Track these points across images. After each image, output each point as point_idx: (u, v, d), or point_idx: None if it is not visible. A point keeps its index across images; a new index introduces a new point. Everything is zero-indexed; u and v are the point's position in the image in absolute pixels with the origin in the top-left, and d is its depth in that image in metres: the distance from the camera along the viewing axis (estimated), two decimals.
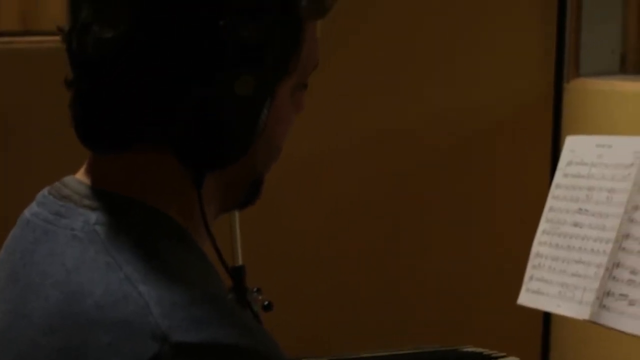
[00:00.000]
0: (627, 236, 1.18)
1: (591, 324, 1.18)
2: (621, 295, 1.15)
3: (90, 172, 0.75)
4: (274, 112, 0.75)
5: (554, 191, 1.32)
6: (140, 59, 0.70)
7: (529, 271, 1.28)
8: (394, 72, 1.96)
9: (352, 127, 1.96)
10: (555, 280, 1.24)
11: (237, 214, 1.41)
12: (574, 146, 1.33)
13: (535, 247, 1.29)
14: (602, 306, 1.16)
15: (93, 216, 0.71)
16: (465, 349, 1.58)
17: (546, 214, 1.30)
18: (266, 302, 1.47)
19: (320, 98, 1.50)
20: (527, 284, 1.28)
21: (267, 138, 0.76)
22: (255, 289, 1.47)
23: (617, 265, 1.17)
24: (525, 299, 1.28)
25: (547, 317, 2.00)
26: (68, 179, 0.76)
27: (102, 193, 0.73)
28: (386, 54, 1.96)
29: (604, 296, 1.16)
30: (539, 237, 1.30)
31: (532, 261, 1.29)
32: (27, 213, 0.76)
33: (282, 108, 0.77)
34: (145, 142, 0.72)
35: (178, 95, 0.71)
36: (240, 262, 1.49)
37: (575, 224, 1.25)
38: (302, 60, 0.77)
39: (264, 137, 0.75)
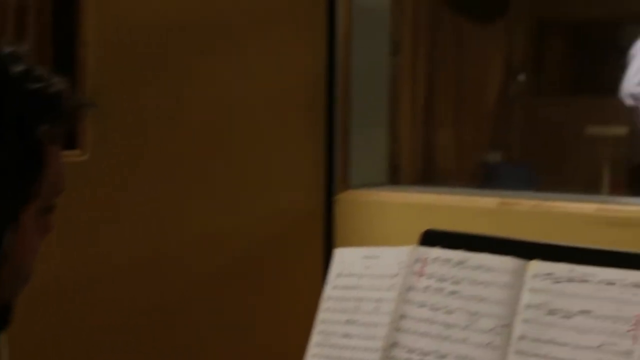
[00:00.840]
0: (394, 345, 1.69)
1: None
2: None
3: None
4: (19, 237, 0.92)
5: (324, 303, 1.82)
6: None
7: None
8: (158, 194, 2.32)
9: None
10: None
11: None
12: (342, 258, 1.85)
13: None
14: None
15: None
16: None
17: (317, 326, 1.80)
18: None
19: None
20: None
21: (13, 264, 0.93)
22: None
23: None
24: None
25: None
26: None
27: None
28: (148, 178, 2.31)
29: None
30: (311, 349, 1.79)
31: None
32: None
33: (27, 233, 0.94)
34: None
35: None
36: None
37: (345, 335, 1.76)
38: (46, 185, 0.94)
39: (10, 263, 0.92)
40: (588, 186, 7.63)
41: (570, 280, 1.54)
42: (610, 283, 1.50)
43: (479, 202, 2.39)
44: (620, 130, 6.23)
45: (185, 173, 2.35)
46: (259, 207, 2.53)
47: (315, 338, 1.80)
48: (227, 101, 2.41)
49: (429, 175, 7.80)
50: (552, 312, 1.54)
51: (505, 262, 1.61)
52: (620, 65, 5.70)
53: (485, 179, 7.85)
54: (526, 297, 1.57)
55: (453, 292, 1.66)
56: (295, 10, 2.55)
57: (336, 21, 2.57)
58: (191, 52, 2.31)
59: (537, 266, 1.59)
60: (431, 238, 1.76)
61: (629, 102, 5.45)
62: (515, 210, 2.30)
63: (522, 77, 8.46)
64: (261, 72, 2.47)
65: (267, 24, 2.49)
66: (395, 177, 6.65)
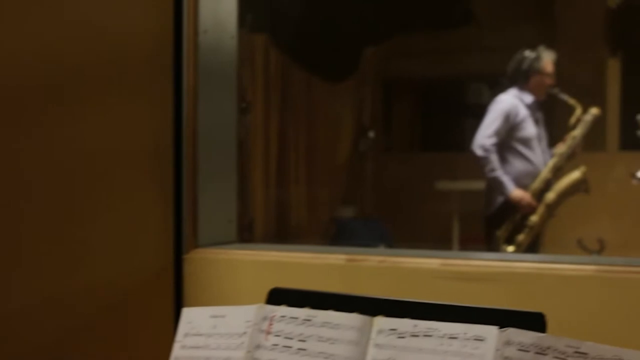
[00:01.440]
0: None
1: None
2: None
3: None
4: None
5: None
6: None
7: None
8: None
9: None
10: None
11: None
12: (190, 318, 1.83)
13: None
14: None
15: None
16: None
17: None
18: None
19: None
20: None
21: None
22: None
23: None
24: None
25: None
26: None
27: None
28: None
29: None
30: None
31: None
32: None
33: None
34: None
35: None
36: None
37: None
38: None
39: None
40: (439, 240, 7.81)
41: (414, 335, 1.55)
42: (453, 337, 1.52)
43: (327, 259, 2.41)
44: (468, 184, 6.41)
45: (28, 231, 2.27)
46: (106, 268, 2.47)
47: None
48: (72, 159, 2.37)
49: (282, 232, 7.84)
50: None
51: (351, 319, 1.62)
52: (466, 122, 5.89)
53: (338, 234, 7.95)
54: (372, 353, 1.58)
55: (300, 350, 1.66)
56: (142, 70, 2.54)
57: (182, 80, 2.58)
58: (36, 104, 2.26)
59: (381, 322, 1.60)
60: (278, 296, 1.75)
61: (479, 152, 5.64)
62: (363, 266, 2.33)
63: (372, 134, 8.63)
64: (109, 130, 2.44)
65: (115, 81, 2.47)
66: (247, 235, 6.69)
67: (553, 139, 6.00)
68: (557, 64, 6.03)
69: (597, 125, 7.37)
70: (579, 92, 6.59)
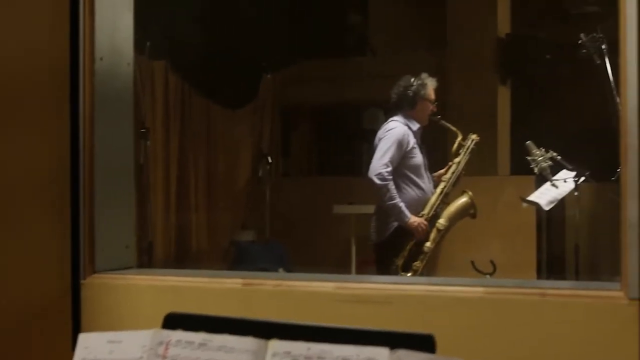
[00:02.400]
0: None
1: None
2: None
3: None
4: None
5: None
6: None
7: None
8: None
9: None
10: None
11: None
12: (87, 343, 1.81)
13: None
14: None
15: None
16: None
17: None
18: None
19: None
20: None
21: None
22: None
23: None
24: None
25: None
26: None
27: None
28: None
29: None
30: None
31: None
32: None
33: None
34: None
35: None
36: None
37: None
38: None
39: None
40: (338, 263, 7.85)
41: (308, 357, 1.57)
42: (346, 359, 1.54)
43: (224, 283, 2.41)
44: (365, 208, 6.45)
45: None
46: (4, 295, 2.44)
47: None
48: None
49: (182, 256, 7.79)
50: None
51: (246, 342, 1.63)
52: (362, 147, 5.92)
53: (238, 258, 7.93)
54: None
55: None
56: (38, 99, 2.51)
57: (79, 107, 2.56)
58: None
59: (276, 345, 1.61)
60: (174, 321, 1.75)
61: (377, 181, 5.65)
62: (259, 290, 2.33)
63: (270, 159, 8.65)
64: (4, 161, 2.41)
65: (9, 111, 2.43)
66: (147, 260, 6.62)
67: (438, 165, 6.08)
68: (451, 91, 6.14)
69: (489, 150, 7.54)
70: (471, 119, 6.75)
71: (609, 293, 2.05)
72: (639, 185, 1.95)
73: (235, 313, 1.81)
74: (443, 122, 5.99)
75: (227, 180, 8.58)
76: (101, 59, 2.62)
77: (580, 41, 5.11)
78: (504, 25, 8.80)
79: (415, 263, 5.66)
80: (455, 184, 5.89)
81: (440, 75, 5.99)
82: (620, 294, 2.02)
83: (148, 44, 6.50)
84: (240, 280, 2.37)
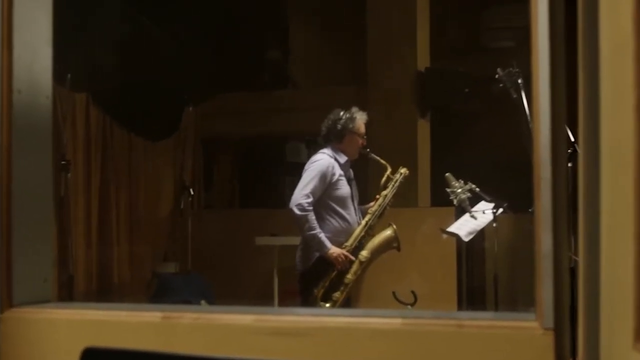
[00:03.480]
0: None
1: None
2: None
3: None
4: None
5: None
6: None
7: None
8: None
9: None
10: None
11: None
12: None
13: None
14: None
15: None
16: None
17: None
18: None
19: None
20: None
21: None
22: None
23: None
24: None
25: None
26: None
27: None
28: None
29: None
30: None
31: None
32: None
33: None
34: None
35: None
36: None
37: None
38: None
39: None
40: (260, 295, 7.83)
41: None
42: None
43: (143, 317, 2.38)
44: (288, 240, 6.45)
45: None
46: None
47: None
48: None
49: (103, 289, 7.69)
50: None
51: None
52: (284, 179, 5.94)
53: (160, 290, 7.86)
54: None
55: None
56: None
57: None
58: None
59: None
60: (91, 356, 1.73)
61: (297, 211, 5.67)
62: (178, 324, 2.31)
63: (193, 192, 8.62)
64: None
65: None
66: (67, 293, 6.52)
67: (366, 198, 6.13)
68: (371, 124, 6.19)
69: (410, 183, 7.62)
70: (392, 152, 6.80)
71: (525, 323, 2.07)
72: (552, 217, 1.99)
73: (155, 347, 1.80)
74: (373, 155, 6.05)
75: (149, 212, 8.52)
76: (19, 92, 2.58)
77: (497, 75, 5.21)
78: (423, 59, 8.91)
79: (335, 294, 5.67)
80: (380, 216, 5.93)
81: (361, 108, 6.04)
82: (535, 324, 2.04)
83: (69, 75, 6.44)
84: (159, 314, 2.34)
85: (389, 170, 6.00)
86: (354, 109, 5.97)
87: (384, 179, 6.00)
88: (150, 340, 2.36)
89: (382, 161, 6.03)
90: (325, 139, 6.00)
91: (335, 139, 5.92)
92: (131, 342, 2.14)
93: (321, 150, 5.98)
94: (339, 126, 5.90)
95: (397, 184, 5.98)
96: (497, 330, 2.09)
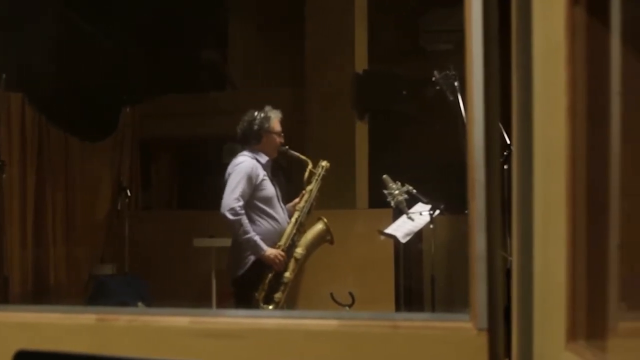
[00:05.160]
0: None
1: None
2: None
3: None
4: None
5: None
6: None
7: None
8: None
9: None
10: None
11: None
12: None
13: None
14: None
15: None
16: None
17: None
18: None
19: None
20: None
21: None
22: None
23: None
24: None
25: None
26: None
27: None
28: None
29: None
30: None
31: None
32: None
33: None
34: None
35: None
36: None
37: None
38: None
39: None
40: (199, 296, 7.78)
41: None
42: None
43: (78, 319, 2.35)
44: (226, 241, 6.41)
45: None
46: None
47: None
48: None
49: (40, 291, 7.58)
50: None
51: None
52: (222, 181, 5.91)
53: (96, 292, 7.77)
54: None
55: None
56: None
57: None
58: None
59: None
60: (24, 359, 1.70)
61: (230, 216, 5.65)
62: (113, 326, 2.28)
63: (130, 193, 8.55)
64: None
65: None
66: (3, 296, 6.41)
67: (291, 196, 6.12)
68: (309, 126, 6.19)
69: (348, 184, 7.63)
70: (330, 154, 6.79)
71: (459, 324, 2.08)
72: (485, 219, 2.00)
73: (90, 349, 1.78)
74: (292, 152, 6.03)
75: (85, 213, 8.43)
76: None
77: (433, 78, 5.25)
78: (361, 61, 8.92)
79: (277, 295, 5.66)
80: (309, 212, 5.93)
81: (300, 110, 6.03)
82: (469, 324, 2.06)
83: (4, 75, 6.35)
84: (94, 316, 2.31)
85: (310, 165, 5.98)
86: (267, 108, 5.94)
87: (306, 174, 5.98)
88: (85, 343, 2.33)
89: (302, 157, 6.02)
90: (243, 141, 5.96)
91: (253, 140, 5.88)
92: (66, 344, 2.11)
93: (241, 153, 5.94)
94: (255, 127, 5.87)
95: (320, 177, 5.97)
96: (431, 330, 2.10)
